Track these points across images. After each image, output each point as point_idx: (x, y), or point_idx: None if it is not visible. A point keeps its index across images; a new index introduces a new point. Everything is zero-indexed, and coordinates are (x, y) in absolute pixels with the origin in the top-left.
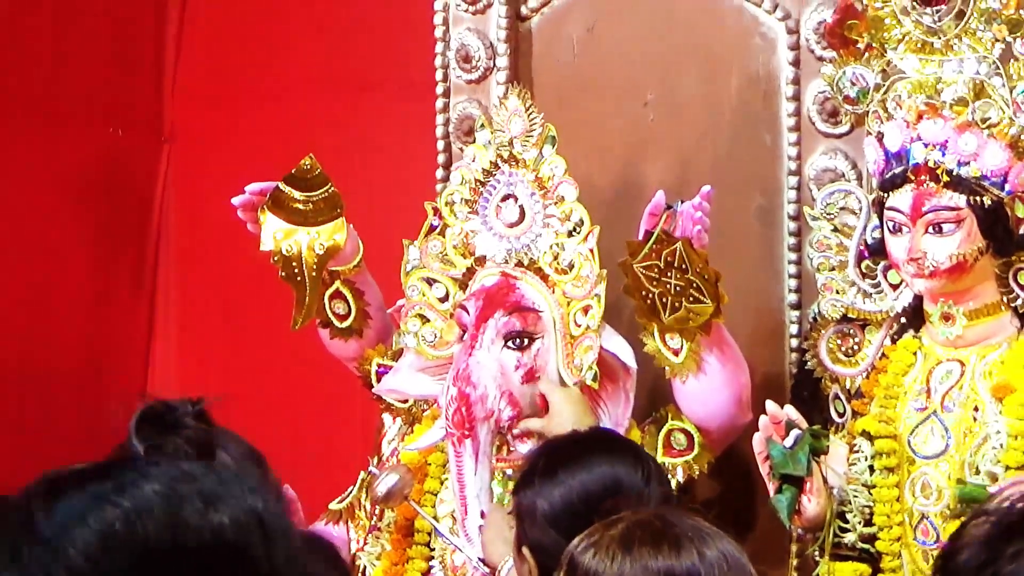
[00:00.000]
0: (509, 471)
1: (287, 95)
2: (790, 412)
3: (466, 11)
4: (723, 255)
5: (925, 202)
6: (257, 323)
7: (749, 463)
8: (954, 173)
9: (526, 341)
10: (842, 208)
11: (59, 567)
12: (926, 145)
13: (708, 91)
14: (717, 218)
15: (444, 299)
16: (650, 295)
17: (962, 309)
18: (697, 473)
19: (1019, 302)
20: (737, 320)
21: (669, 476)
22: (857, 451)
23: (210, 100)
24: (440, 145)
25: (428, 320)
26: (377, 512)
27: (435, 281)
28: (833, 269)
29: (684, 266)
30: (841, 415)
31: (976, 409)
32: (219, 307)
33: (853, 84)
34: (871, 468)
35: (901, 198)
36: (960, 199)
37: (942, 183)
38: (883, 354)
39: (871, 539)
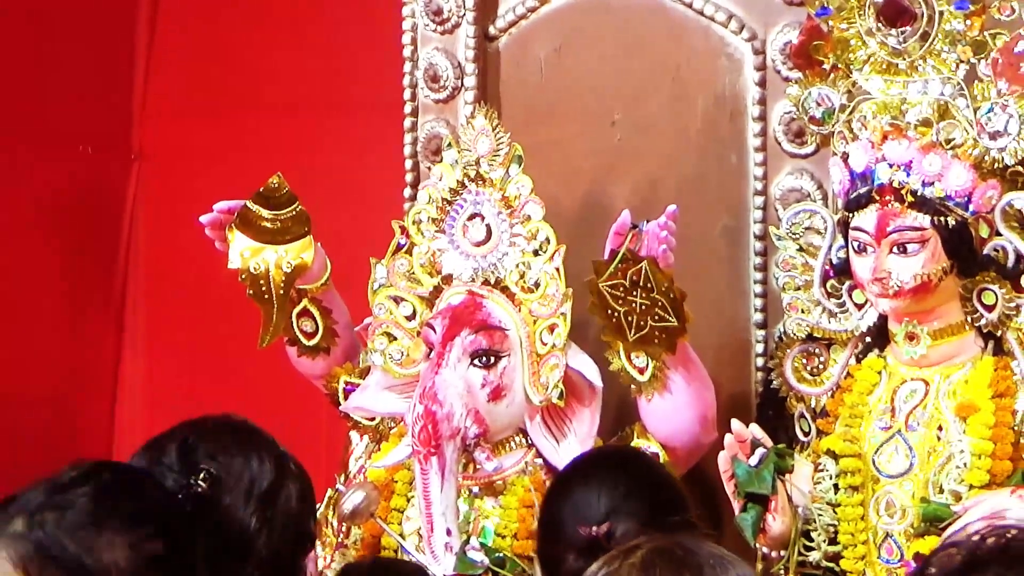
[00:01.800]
0: (475, 488)
1: (255, 114)
2: (755, 431)
3: (434, 31)
4: (689, 274)
5: (890, 222)
6: (225, 341)
7: (714, 481)
8: (919, 193)
9: (492, 359)
10: (807, 228)
11: None
12: (891, 165)
13: (675, 111)
14: (683, 237)
15: (411, 317)
16: (616, 314)
17: (926, 329)
18: None
19: (983, 322)
20: (703, 339)
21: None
22: (822, 470)
23: (179, 118)
24: (408, 164)
25: (395, 338)
26: (344, 529)
27: (402, 299)
28: (799, 288)
29: (649, 285)
30: (806, 434)
31: (940, 428)
32: (187, 325)
33: (819, 105)
34: (836, 487)
35: (866, 218)
36: (924, 219)
37: (907, 203)
38: (848, 373)
39: (836, 558)
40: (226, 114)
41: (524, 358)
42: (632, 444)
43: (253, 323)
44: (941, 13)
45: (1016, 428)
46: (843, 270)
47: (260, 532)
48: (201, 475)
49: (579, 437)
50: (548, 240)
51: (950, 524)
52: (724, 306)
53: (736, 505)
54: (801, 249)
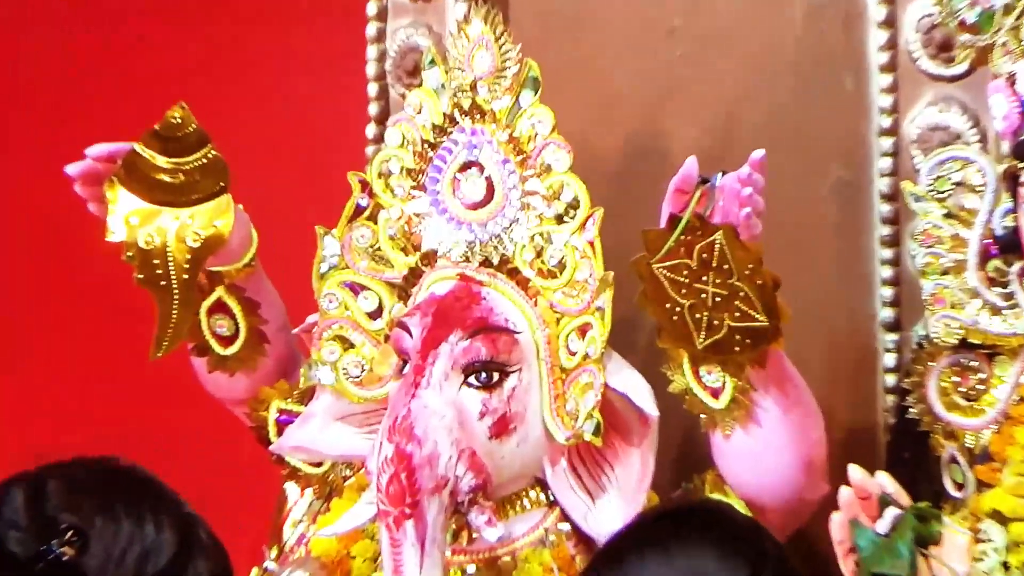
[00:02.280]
0: (471, 568)
1: (148, 21)
2: (884, 483)
3: None
4: (784, 251)
5: None
6: (100, 351)
7: (825, 557)
8: None
9: (496, 376)
10: (958, 184)
11: None
12: None
13: (761, 15)
14: (775, 197)
15: (376, 314)
16: (678, 309)
17: None
18: None
19: None
20: (806, 347)
21: None
22: (984, 540)
23: None
24: (371, 90)
25: (352, 345)
26: None
27: (363, 288)
28: (946, 273)
29: (727, 267)
30: (960, 487)
31: None
32: (46, 326)
33: (973, 5)
34: (1005, 565)
35: None
36: None
37: None
38: (1020, 398)
39: None
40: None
41: (543, 374)
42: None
43: (144, 323)
44: None
45: None
46: (1011, 245)
47: None
48: (66, 536)
49: (624, 492)
50: (577, 201)
51: None
52: (836, 298)
53: None
54: (949, 215)
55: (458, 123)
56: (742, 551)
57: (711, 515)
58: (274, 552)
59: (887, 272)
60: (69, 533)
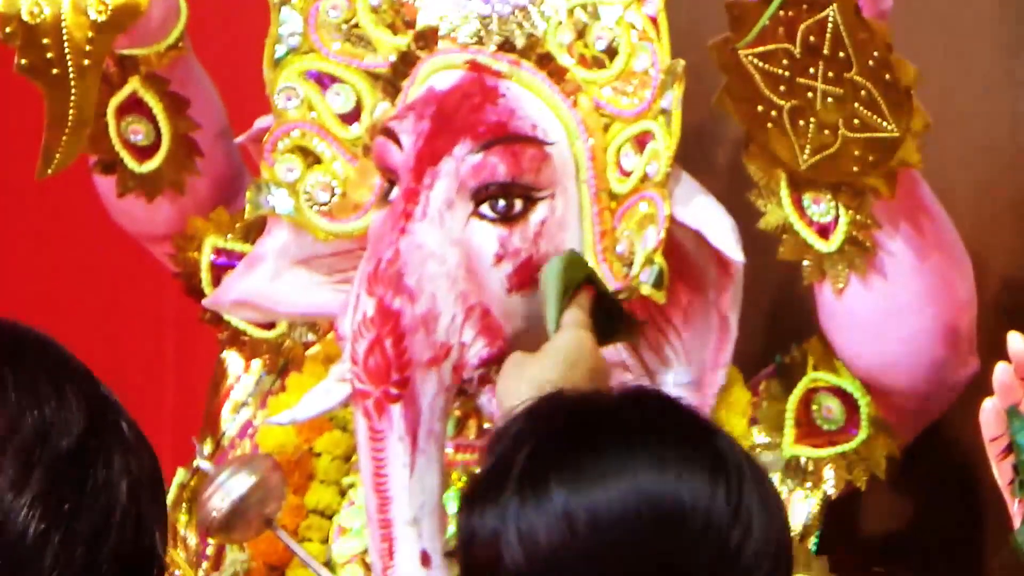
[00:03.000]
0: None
1: None
2: None
3: None
4: (925, 33)
5: None
6: None
7: (970, 457)
8: None
9: (519, 205)
10: None
11: None
12: None
13: None
14: (963, 22)
15: (351, 117)
16: (773, 113)
17: None
18: (865, 482)
19: None
20: (952, 170)
21: (802, 493)
22: None
23: None
24: None
25: (318, 160)
26: (212, 549)
27: (334, 80)
28: None
29: (843, 54)
30: None
31: None
32: None
33: None
34: None
35: None
36: None
37: None
38: None
39: None
40: None
41: (585, 203)
42: (808, 378)
43: (28, 128)
44: None
45: None
46: None
47: (46, 544)
48: None
49: (695, 366)
50: None
51: None
52: (996, 103)
53: (1015, 507)
54: None
55: None
56: (716, 463)
57: (665, 409)
58: (208, 447)
59: None
60: None
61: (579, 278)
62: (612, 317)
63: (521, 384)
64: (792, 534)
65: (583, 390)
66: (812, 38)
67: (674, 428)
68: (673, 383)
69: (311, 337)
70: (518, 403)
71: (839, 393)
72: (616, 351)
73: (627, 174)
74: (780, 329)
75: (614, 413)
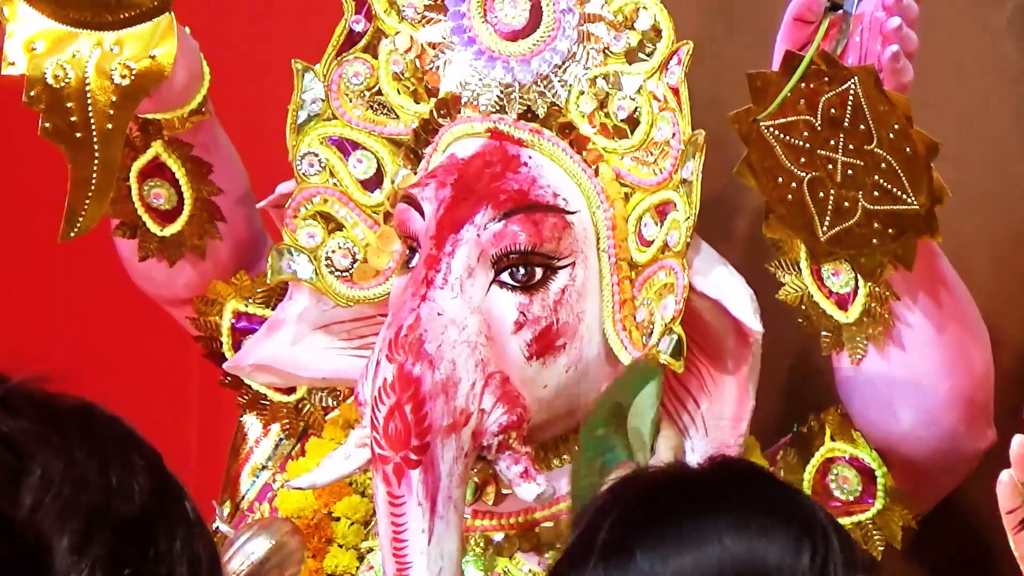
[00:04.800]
0: (498, 537)
1: None
2: None
3: None
4: (944, 106)
5: None
6: None
7: (985, 530)
8: None
9: (539, 273)
10: None
11: None
12: None
13: None
14: (932, 31)
15: (372, 183)
16: (793, 184)
17: None
18: (881, 549)
19: None
20: (970, 242)
21: None
22: None
23: None
24: None
25: (340, 226)
26: None
27: (356, 146)
28: None
29: (863, 127)
30: None
31: None
32: None
33: None
34: None
35: None
36: None
37: None
38: None
39: None
40: None
41: (605, 271)
42: (825, 447)
43: (51, 194)
44: None
45: None
46: None
47: None
48: None
49: (713, 436)
50: (657, 31)
51: None
52: (1015, 172)
53: None
54: None
55: None
56: (800, 525)
57: (746, 476)
58: (226, 509)
59: None
60: None
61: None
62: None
63: None
64: None
65: (662, 466)
66: (833, 110)
67: (757, 492)
68: (691, 452)
69: (331, 402)
70: None
71: (856, 463)
72: None
73: (647, 243)
74: (798, 399)
75: (696, 480)
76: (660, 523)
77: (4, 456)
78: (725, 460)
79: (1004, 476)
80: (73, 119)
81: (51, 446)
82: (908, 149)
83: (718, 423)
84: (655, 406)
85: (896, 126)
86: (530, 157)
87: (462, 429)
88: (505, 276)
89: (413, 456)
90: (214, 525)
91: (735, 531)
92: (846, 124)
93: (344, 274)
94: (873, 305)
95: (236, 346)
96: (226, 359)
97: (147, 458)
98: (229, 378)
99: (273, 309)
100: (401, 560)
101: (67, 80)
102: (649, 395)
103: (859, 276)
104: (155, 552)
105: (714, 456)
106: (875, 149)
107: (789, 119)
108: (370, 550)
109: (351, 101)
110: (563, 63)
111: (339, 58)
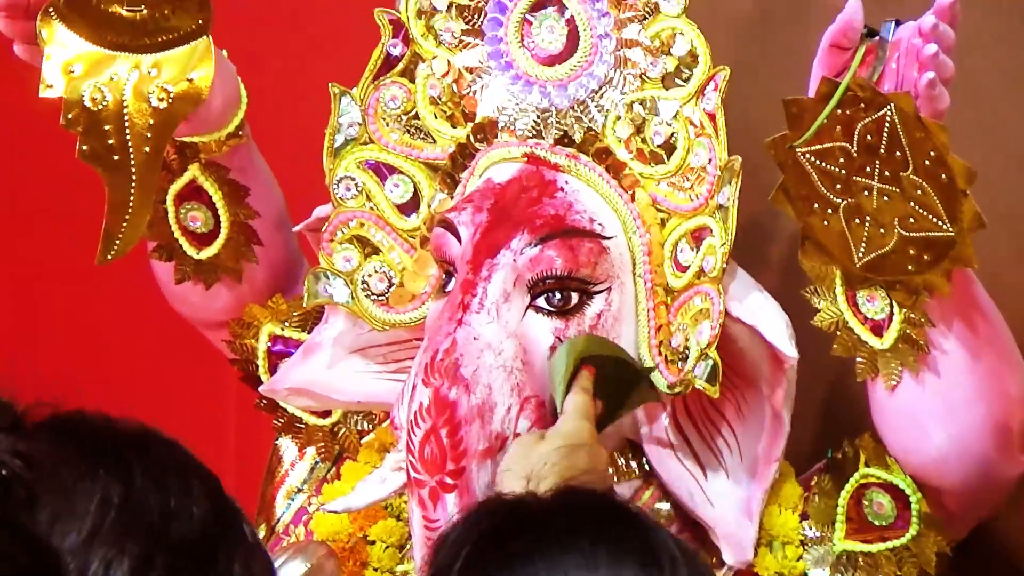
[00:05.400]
0: None
1: None
2: None
3: None
4: (981, 133)
5: None
6: (32, 250)
7: (1019, 557)
8: None
9: (575, 298)
10: None
11: None
12: None
13: None
14: (969, 57)
15: (409, 207)
16: (829, 211)
17: None
18: None
19: None
20: (1006, 268)
21: None
22: None
23: None
24: None
25: (376, 250)
26: None
27: (393, 171)
28: None
29: (899, 154)
30: None
31: None
32: None
33: None
34: None
35: None
36: None
37: None
38: None
39: None
40: None
41: (640, 296)
42: (860, 473)
43: (88, 216)
44: None
45: None
46: None
47: None
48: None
49: (747, 461)
50: (694, 57)
51: None
52: None
53: None
54: None
55: None
56: (648, 554)
57: (595, 507)
58: (261, 531)
59: None
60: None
61: (582, 358)
62: (628, 384)
63: (523, 466)
64: None
65: (518, 493)
66: (869, 137)
67: (605, 525)
68: (726, 477)
69: (366, 425)
70: (517, 484)
71: (890, 489)
72: (667, 440)
73: (683, 269)
74: (832, 425)
75: (546, 514)
76: (512, 558)
77: (67, 480)
78: (575, 491)
79: None
80: (110, 142)
81: (110, 470)
82: (944, 176)
83: (753, 447)
84: (562, 373)
85: (932, 153)
86: (566, 182)
87: (497, 453)
88: (541, 301)
89: (449, 480)
90: None
91: (581, 567)
92: (882, 151)
93: (380, 298)
94: (908, 331)
95: (272, 369)
96: (262, 382)
97: (205, 481)
98: (265, 401)
99: (309, 333)
100: None
101: (105, 103)
102: (559, 360)
103: (894, 302)
104: (214, 574)
105: (564, 487)
106: (911, 176)
107: (825, 146)
108: (405, 574)
109: (388, 125)
110: (600, 88)
111: (376, 82)
